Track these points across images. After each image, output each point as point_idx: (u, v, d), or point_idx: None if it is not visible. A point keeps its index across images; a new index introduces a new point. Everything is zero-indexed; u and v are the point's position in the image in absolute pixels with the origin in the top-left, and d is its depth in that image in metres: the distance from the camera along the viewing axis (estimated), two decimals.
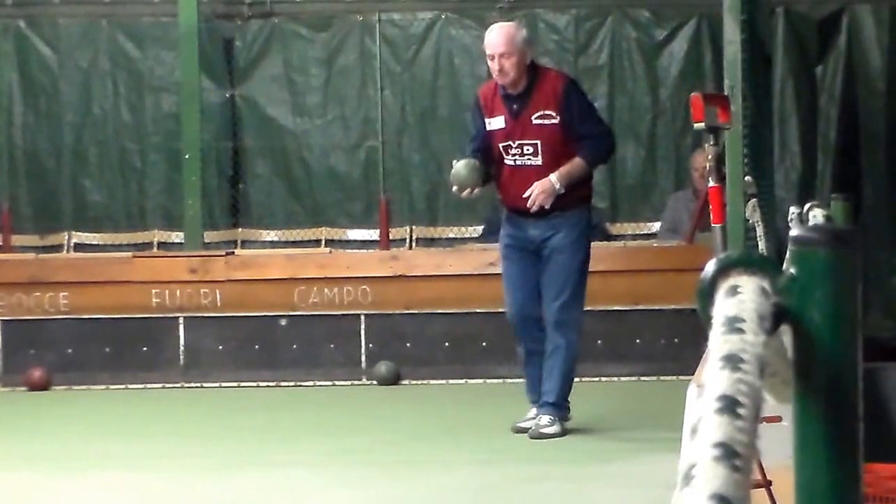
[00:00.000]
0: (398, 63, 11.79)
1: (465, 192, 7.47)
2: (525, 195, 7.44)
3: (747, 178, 8.19)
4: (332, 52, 11.83)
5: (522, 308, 7.52)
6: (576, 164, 7.45)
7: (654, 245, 10.30)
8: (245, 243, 11.61)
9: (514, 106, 7.48)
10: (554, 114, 7.42)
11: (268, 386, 9.65)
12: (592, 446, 7.26)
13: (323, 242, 11.56)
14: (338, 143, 11.83)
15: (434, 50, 11.75)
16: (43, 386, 9.62)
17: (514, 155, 7.48)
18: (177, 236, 11.33)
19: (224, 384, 9.66)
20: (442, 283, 9.72)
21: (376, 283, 9.72)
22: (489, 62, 7.55)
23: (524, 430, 7.52)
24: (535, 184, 7.41)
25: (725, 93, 8.23)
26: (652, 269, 9.55)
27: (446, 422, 8.11)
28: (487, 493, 6.30)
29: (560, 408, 7.47)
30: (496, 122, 7.51)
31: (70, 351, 9.79)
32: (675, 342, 9.35)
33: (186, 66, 10.55)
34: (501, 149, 7.51)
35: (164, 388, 9.65)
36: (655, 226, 11.30)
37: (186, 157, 10.43)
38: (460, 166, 7.47)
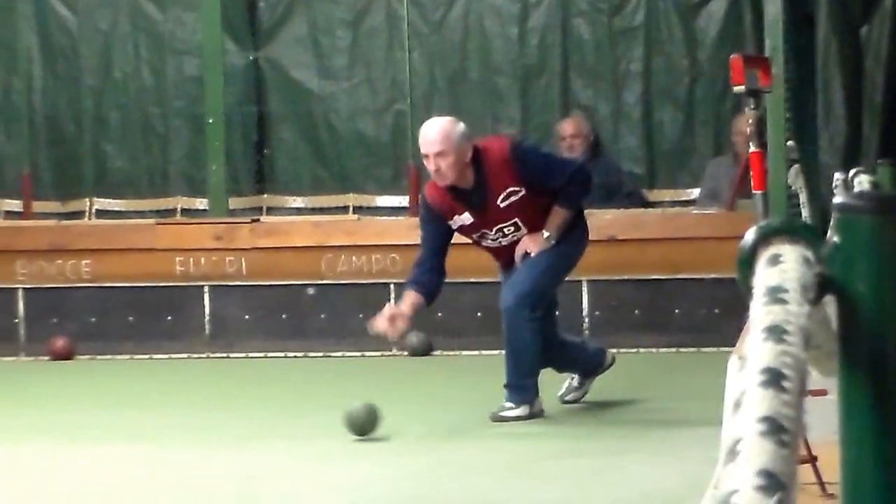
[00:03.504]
0: (426, 24, 11.56)
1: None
2: (519, 256, 7.14)
3: (789, 142, 8.07)
4: (359, 14, 11.62)
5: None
6: (560, 213, 7.14)
7: (693, 212, 10.17)
8: (271, 210, 11.48)
9: (474, 200, 7.08)
10: (517, 188, 7.05)
11: (295, 356, 9.51)
12: (628, 419, 7.20)
13: (351, 209, 11.41)
14: (365, 107, 11.63)
15: (463, 11, 11.52)
16: (66, 356, 9.52)
17: (494, 238, 7.19)
18: (201, 203, 11.21)
19: (250, 354, 9.53)
20: (474, 250, 9.49)
21: (406, 251, 9.52)
22: (424, 161, 7.14)
23: (571, 402, 7.48)
24: (527, 242, 7.11)
25: (766, 54, 8.08)
26: (691, 237, 9.40)
27: (479, 394, 7.97)
28: (518, 466, 6.25)
29: (515, 389, 7.15)
30: (462, 219, 7.13)
31: (93, 320, 9.68)
32: (716, 312, 9.17)
33: (209, 28, 10.45)
34: (476, 238, 7.22)
35: (189, 358, 9.55)
36: (694, 192, 11.11)
37: (210, 121, 10.35)
38: (355, 413, 6.64)
